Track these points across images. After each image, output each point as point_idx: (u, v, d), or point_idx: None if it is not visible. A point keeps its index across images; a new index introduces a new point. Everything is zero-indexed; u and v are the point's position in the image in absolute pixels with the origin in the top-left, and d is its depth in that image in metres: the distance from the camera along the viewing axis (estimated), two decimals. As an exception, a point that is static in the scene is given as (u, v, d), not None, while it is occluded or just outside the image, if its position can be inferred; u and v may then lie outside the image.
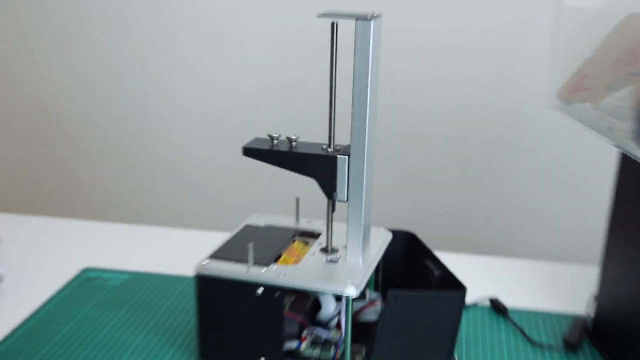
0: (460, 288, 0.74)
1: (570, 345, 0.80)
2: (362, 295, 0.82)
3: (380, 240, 0.81)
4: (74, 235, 1.11)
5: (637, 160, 0.60)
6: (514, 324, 0.86)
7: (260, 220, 0.87)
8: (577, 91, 0.71)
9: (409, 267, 0.85)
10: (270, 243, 0.79)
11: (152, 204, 1.59)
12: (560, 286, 0.98)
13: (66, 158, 1.59)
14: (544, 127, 1.33)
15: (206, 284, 0.73)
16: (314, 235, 0.83)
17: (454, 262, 1.02)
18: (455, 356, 0.78)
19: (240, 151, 0.75)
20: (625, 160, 0.76)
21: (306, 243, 0.81)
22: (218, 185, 1.53)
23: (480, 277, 0.98)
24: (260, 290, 0.71)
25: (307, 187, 0.80)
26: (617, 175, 0.78)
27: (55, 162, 1.60)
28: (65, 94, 1.53)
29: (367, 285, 0.81)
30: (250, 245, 0.72)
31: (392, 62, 1.30)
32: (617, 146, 0.66)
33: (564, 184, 1.37)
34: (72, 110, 1.54)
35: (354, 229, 0.74)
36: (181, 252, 1.03)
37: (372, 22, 0.67)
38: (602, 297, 0.82)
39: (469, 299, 0.91)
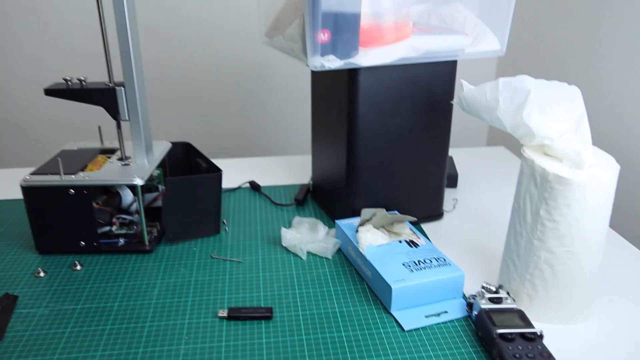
0: (218, 170, 0.82)
1: (298, 201, 0.93)
2: (156, 189, 0.87)
3: (162, 148, 0.88)
4: None
5: (307, 67, 0.70)
6: (265, 195, 0.97)
7: (74, 146, 0.89)
8: (275, 29, 0.81)
9: (188, 166, 0.92)
10: (79, 159, 0.82)
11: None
12: (294, 168, 1.10)
13: None
14: (263, 57, 1.43)
15: (30, 193, 0.76)
16: (114, 151, 0.86)
17: (226, 164, 1.11)
18: (224, 220, 0.87)
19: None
20: (314, 74, 0.87)
21: (108, 157, 0.85)
22: (40, 126, 1.45)
23: (244, 170, 1.09)
24: (72, 191, 0.74)
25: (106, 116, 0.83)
26: (311, 86, 0.89)
27: None
28: None
29: (158, 181, 0.87)
30: (59, 159, 0.75)
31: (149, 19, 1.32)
32: (300, 60, 0.75)
33: (282, 98, 1.47)
34: None
35: (137, 139, 0.80)
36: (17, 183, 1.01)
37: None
38: (314, 170, 0.95)
39: (235, 183, 1.01)
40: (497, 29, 0.81)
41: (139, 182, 0.75)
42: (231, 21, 1.37)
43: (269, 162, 1.14)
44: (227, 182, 1.01)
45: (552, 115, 0.64)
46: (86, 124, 1.40)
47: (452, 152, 1.20)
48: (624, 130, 1.06)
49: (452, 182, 1.01)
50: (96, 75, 1.35)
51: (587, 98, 1.14)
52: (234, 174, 1.06)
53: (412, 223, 0.83)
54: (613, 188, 0.62)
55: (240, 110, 1.47)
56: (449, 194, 0.98)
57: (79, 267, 0.76)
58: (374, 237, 0.75)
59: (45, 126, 1.43)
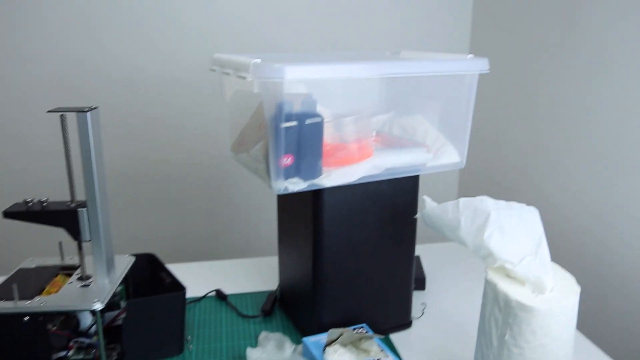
0: (181, 289, 0.80)
1: (265, 312, 0.91)
2: (118, 306, 0.84)
3: (125, 264, 0.85)
4: None
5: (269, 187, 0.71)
6: (231, 305, 0.94)
7: (32, 263, 0.86)
8: (240, 145, 0.82)
9: (153, 277, 0.90)
10: (37, 280, 0.80)
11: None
12: (262, 272, 1.09)
13: None
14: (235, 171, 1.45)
15: (-18, 321, 0.72)
16: (76, 268, 0.84)
17: (192, 269, 1.09)
18: (188, 337, 0.84)
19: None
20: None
21: (69, 275, 0.82)
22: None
23: (210, 276, 1.06)
24: (26, 318, 0.71)
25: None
26: (277, 196, 0.90)
27: None
28: None
29: (120, 297, 0.85)
30: (14, 286, 0.72)
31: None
32: (264, 180, 0.76)
33: (250, 195, 1.48)
34: None
35: (98, 259, 0.78)
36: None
37: (88, 114, 0.71)
38: (282, 278, 0.94)
39: (201, 291, 0.99)
40: (456, 141, 0.83)
41: (98, 306, 0.73)
42: (198, 120, 1.39)
43: (237, 265, 1.12)
44: (193, 291, 0.98)
45: (513, 237, 0.65)
46: (47, 238, 1.37)
47: (419, 249, 1.20)
48: (582, 226, 1.09)
49: (420, 284, 1.00)
50: (61, 192, 1.34)
51: (551, 192, 1.18)
52: (201, 280, 1.03)
53: (380, 333, 0.82)
54: (575, 311, 0.62)
55: (209, 209, 1.47)
56: (417, 297, 0.97)
57: (31, 399, 0.72)
58: (342, 358, 0.73)
59: (3, 241, 1.39)
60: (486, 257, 0.66)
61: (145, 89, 1.35)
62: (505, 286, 0.63)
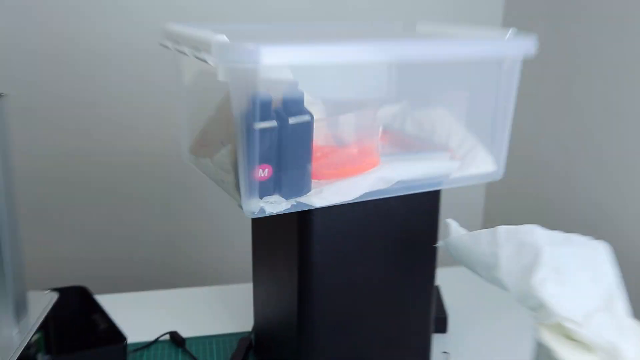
0: (121, 340, 0.69)
1: (235, 366, 0.80)
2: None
3: (44, 304, 0.74)
4: None
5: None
6: (189, 354, 0.84)
7: None
8: (202, 146, 0.71)
9: (82, 320, 0.80)
10: None
11: None
12: (232, 305, 0.98)
13: None
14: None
15: None
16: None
17: (141, 301, 0.98)
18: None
19: None
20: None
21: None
22: None
23: (165, 311, 0.95)
24: None
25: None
26: (252, 224, 0.82)
27: None
28: None
29: (37, 350, 0.73)
30: None
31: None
32: (233, 197, 0.65)
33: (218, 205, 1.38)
34: None
35: (2, 300, 0.66)
36: None
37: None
38: (257, 319, 0.85)
39: (151, 335, 0.88)
40: (491, 144, 0.73)
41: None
42: (149, 109, 1.26)
43: (200, 296, 1.01)
44: (140, 334, 0.86)
45: (575, 285, 0.55)
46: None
47: (438, 275, 1.10)
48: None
49: (441, 326, 0.91)
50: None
51: (619, 216, 1.05)
52: (151, 317, 0.92)
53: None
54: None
55: (162, 223, 1.35)
56: (437, 343, 0.86)
57: None
58: None
59: None
60: (537, 309, 0.56)
61: (76, 67, 1.22)
62: (565, 353, 0.52)
